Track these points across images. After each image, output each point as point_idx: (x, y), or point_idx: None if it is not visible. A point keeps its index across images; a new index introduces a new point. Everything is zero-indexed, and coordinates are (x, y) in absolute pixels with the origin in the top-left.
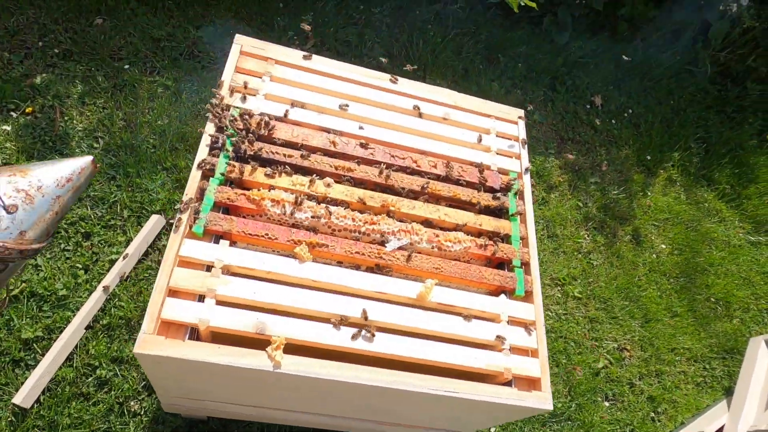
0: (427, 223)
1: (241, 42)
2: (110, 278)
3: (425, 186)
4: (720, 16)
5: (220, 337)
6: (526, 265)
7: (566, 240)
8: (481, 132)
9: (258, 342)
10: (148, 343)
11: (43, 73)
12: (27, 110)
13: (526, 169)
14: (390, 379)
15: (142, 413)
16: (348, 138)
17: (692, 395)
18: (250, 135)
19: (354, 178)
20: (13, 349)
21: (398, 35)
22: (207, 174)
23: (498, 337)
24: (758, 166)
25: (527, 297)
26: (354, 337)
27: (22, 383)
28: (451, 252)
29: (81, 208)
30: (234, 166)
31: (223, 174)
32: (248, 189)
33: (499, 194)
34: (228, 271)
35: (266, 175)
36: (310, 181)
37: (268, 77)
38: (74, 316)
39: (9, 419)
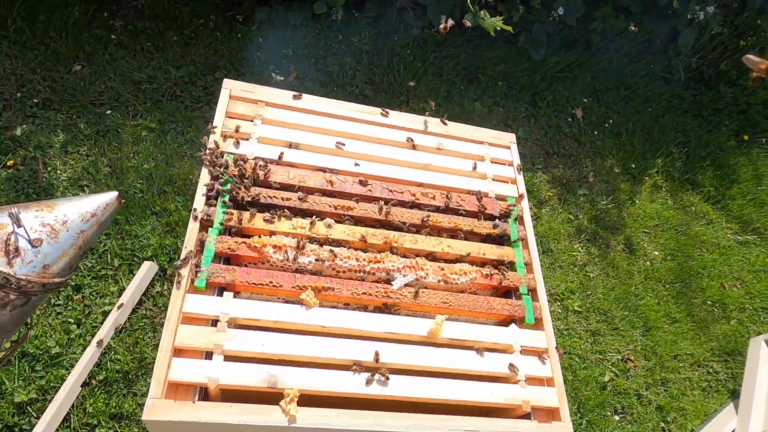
0: (431, 256)
1: (230, 86)
2: (104, 331)
3: (426, 219)
4: (688, 23)
5: (231, 393)
6: (532, 291)
7: (561, 254)
8: (475, 159)
9: (270, 394)
10: (157, 409)
11: (23, 124)
12: (8, 163)
13: (521, 196)
14: (409, 423)
15: None
16: (345, 176)
17: (699, 401)
18: (246, 181)
19: (354, 217)
20: (6, 415)
21: (379, 62)
22: (205, 224)
23: (511, 365)
24: (739, 167)
25: (537, 324)
26: (368, 382)
27: None
28: (457, 285)
29: None
30: (232, 214)
31: (221, 223)
32: (248, 236)
33: (499, 221)
34: (234, 323)
35: (265, 220)
36: (311, 223)
37: (259, 120)
38: (69, 373)
39: None
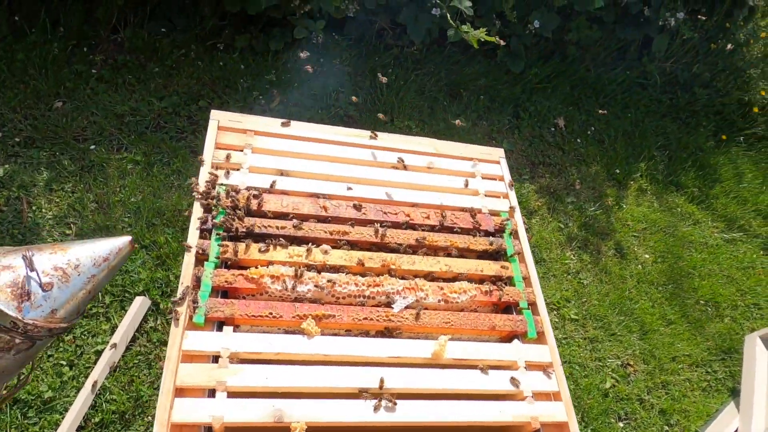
0: (430, 276)
1: (218, 117)
2: (98, 371)
3: (421, 239)
4: (660, 30)
5: (236, 430)
6: (532, 305)
7: (554, 263)
8: (466, 176)
9: (277, 429)
10: None
11: (5, 164)
12: None
13: (511, 208)
14: None
15: None
16: (338, 201)
17: (700, 401)
18: (240, 211)
19: (350, 241)
20: None
21: (361, 82)
22: (200, 258)
23: (512, 379)
24: (719, 166)
25: (540, 338)
26: (375, 408)
27: None
28: (458, 303)
29: None
30: (227, 247)
31: (217, 256)
32: (245, 268)
33: (494, 237)
34: (236, 358)
35: (261, 251)
36: (307, 250)
37: (249, 149)
38: (63, 418)
39: None
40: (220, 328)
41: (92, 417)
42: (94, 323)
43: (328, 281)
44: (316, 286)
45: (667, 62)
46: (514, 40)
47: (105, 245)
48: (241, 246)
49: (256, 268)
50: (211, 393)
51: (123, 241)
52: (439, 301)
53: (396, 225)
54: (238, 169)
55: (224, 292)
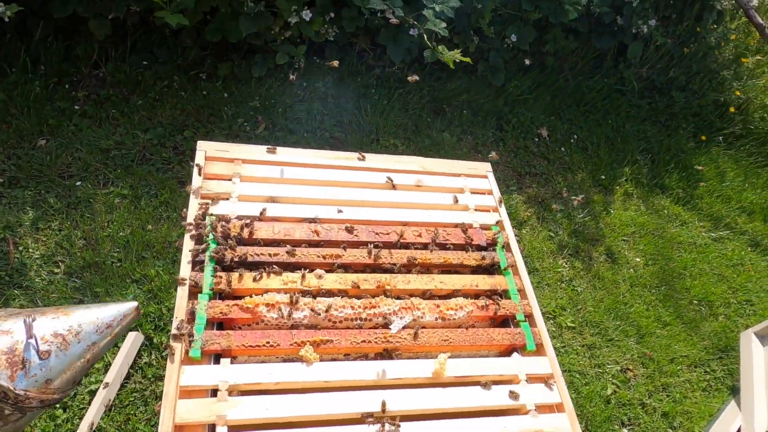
0: (425, 294)
1: (205, 148)
2: (93, 411)
3: (413, 258)
4: (633, 37)
5: None
6: (529, 317)
7: (547, 272)
8: (455, 192)
9: None
10: None
11: None
12: None
13: (497, 222)
14: None
15: None
16: (330, 224)
17: (702, 402)
18: (231, 241)
19: (344, 264)
20: None
21: (345, 104)
22: (194, 291)
23: (511, 392)
24: (701, 166)
25: (539, 350)
26: None
27: None
28: (455, 320)
29: None
30: (221, 278)
31: (211, 288)
32: (240, 298)
33: (487, 251)
34: (235, 390)
35: (255, 279)
36: (302, 276)
37: (237, 178)
38: None
39: None
40: (217, 362)
41: None
42: None
43: (324, 306)
44: (312, 311)
45: (643, 68)
46: (493, 54)
47: (109, 311)
48: (235, 276)
49: (251, 297)
50: (212, 428)
51: (128, 307)
52: (436, 319)
53: (388, 245)
54: (227, 199)
55: (219, 324)
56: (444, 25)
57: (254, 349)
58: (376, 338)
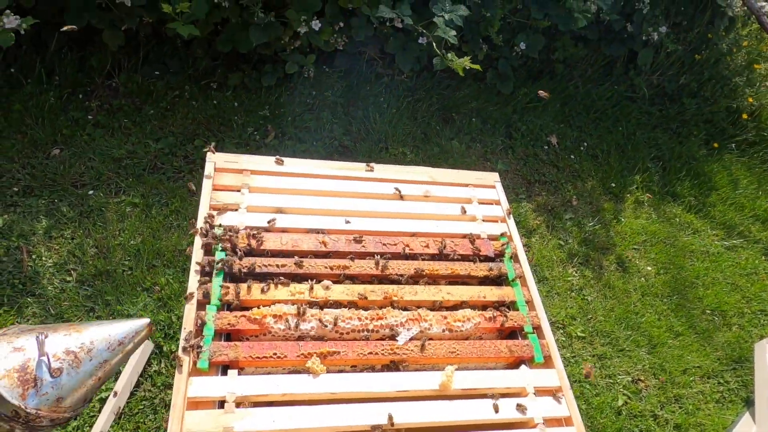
0: (433, 305)
1: (214, 159)
2: (103, 420)
3: (421, 269)
4: (644, 44)
5: None
6: (537, 329)
7: (557, 281)
8: (463, 203)
9: None
10: None
11: (3, 214)
12: None
13: (502, 234)
14: None
15: None
16: (337, 235)
17: (715, 414)
18: (239, 252)
19: (351, 275)
20: None
21: (354, 112)
22: (202, 302)
23: (519, 405)
24: (714, 174)
25: (547, 362)
26: None
27: None
28: (462, 332)
29: None
30: (229, 288)
31: (219, 299)
32: (248, 309)
33: (495, 261)
34: (241, 402)
35: (263, 290)
36: (309, 287)
37: (246, 189)
38: None
39: None
40: (225, 373)
41: None
42: None
43: (331, 317)
44: (319, 322)
45: (653, 75)
46: (502, 63)
47: (121, 328)
48: (243, 287)
49: (259, 308)
50: None
51: (140, 324)
52: (443, 330)
53: (396, 256)
54: (236, 210)
55: (228, 335)
56: (454, 33)
57: (261, 360)
58: (383, 350)
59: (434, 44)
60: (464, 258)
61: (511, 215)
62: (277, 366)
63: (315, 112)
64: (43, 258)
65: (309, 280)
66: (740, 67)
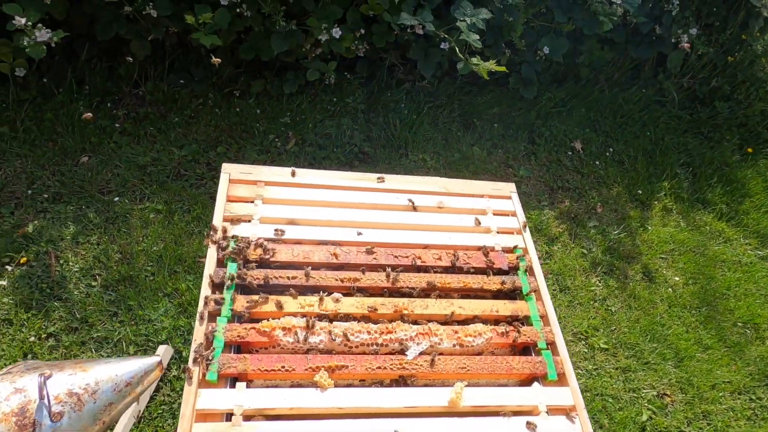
0: (444, 319)
1: (229, 170)
2: (123, 423)
3: (433, 282)
4: (673, 47)
5: None
6: (551, 344)
7: (579, 290)
8: (477, 214)
9: None
10: None
11: (34, 220)
12: (21, 261)
13: (515, 247)
14: None
15: None
16: (349, 247)
17: None
18: (251, 264)
19: (362, 288)
20: None
21: (374, 119)
22: (214, 314)
23: (528, 423)
24: (747, 180)
25: (560, 380)
26: None
27: None
28: (473, 347)
29: (86, 352)
30: (240, 300)
31: (231, 310)
32: (258, 320)
33: (508, 275)
34: (249, 415)
35: (273, 302)
36: (319, 300)
37: (260, 200)
38: None
39: None
40: (233, 385)
41: None
42: None
43: (340, 331)
44: (328, 335)
45: (683, 78)
46: (526, 67)
47: (130, 367)
48: (254, 299)
49: (268, 320)
50: None
51: (150, 363)
52: (453, 345)
53: (407, 268)
54: (249, 221)
55: (238, 347)
56: (477, 37)
57: (270, 373)
58: (391, 364)
59: (457, 49)
60: (477, 271)
61: (527, 228)
62: (286, 379)
63: (336, 118)
64: (70, 263)
65: (319, 293)
66: None
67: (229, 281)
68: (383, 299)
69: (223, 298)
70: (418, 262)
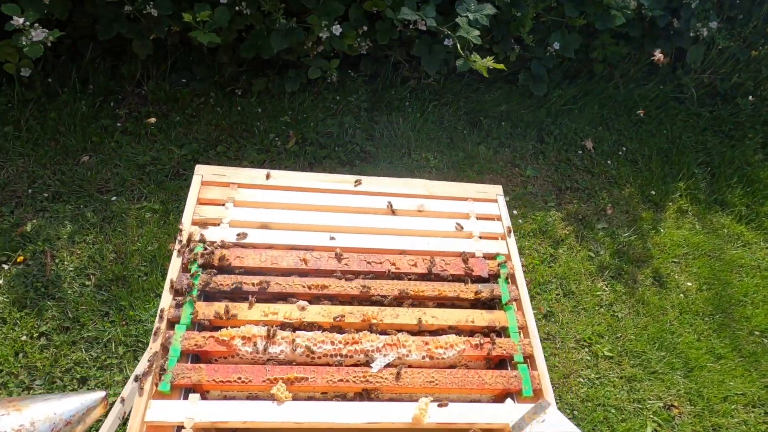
0: (415, 329)
1: (202, 172)
2: (108, 425)
3: (405, 290)
4: (693, 41)
5: None
6: (529, 358)
7: (584, 295)
8: (460, 218)
9: None
10: None
11: (33, 219)
12: (18, 260)
13: (498, 255)
14: None
15: None
16: (320, 252)
17: None
18: (213, 270)
19: (330, 295)
20: None
21: (378, 117)
22: (173, 321)
23: None
24: None
25: (536, 396)
26: None
27: None
28: (444, 360)
29: (76, 351)
30: (201, 307)
31: (189, 318)
32: (219, 328)
33: (484, 283)
34: (201, 428)
35: (236, 309)
36: (285, 307)
37: (231, 203)
38: None
39: None
40: (186, 397)
41: None
42: (108, 374)
43: (303, 340)
44: (289, 345)
45: (704, 74)
46: (536, 64)
47: (70, 404)
48: (216, 306)
49: (227, 329)
50: None
51: (93, 398)
52: (423, 357)
53: (380, 275)
54: (218, 224)
55: (196, 356)
56: (477, 33)
57: (225, 384)
58: (354, 377)
59: (458, 45)
60: (455, 278)
61: (512, 233)
62: (243, 390)
63: (338, 117)
64: (65, 262)
65: (285, 300)
66: None
67: (191, 287)
68: (351, 308)
69: (184, 305)
70: (392, 269)
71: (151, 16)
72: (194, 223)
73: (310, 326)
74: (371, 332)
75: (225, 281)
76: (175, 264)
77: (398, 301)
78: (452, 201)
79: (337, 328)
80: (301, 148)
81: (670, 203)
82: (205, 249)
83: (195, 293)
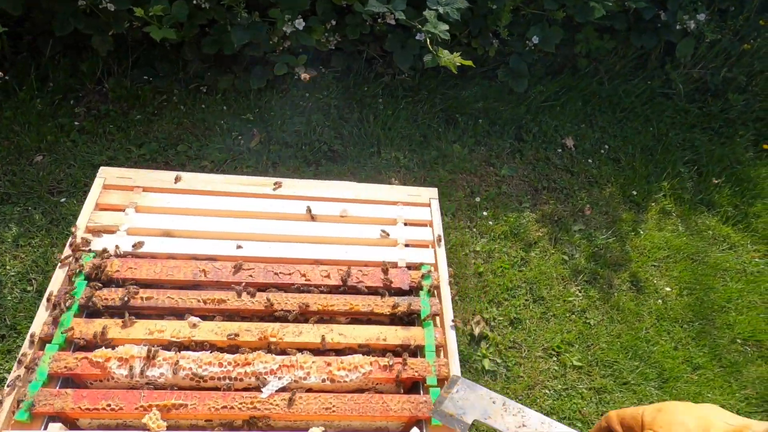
0: (318, 349)
1: (105, 174)
2: None
3: (305, 305)
4: (681, 34)
5: None
6: (444, 381)
7: (555, 301)
8: (386, 224)
9: None
10: None
11: None
12: None
13: (423, 265)
14: None
15: None
16: (223, 262)
17: None
18: (101, 282)
19: (228, 311)
20: None
21: (348, 115)
22: (45, 340)
23: None
24: (760, 179)
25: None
26: None
27: None
28: (347, 383)
29: (10, 361)
30: (79, 324)
31: (64, 337)
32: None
33: (408, 296)
34: None
35: (119, 327)
36: (175, 324)
37: (132, 209)
38: None
39: None
40: (46, 427)
41: None
42: None
43: (187, 362)
44: (171, 368)
45: (694, 68)
46: (515, 59)
47: None
48: (97, 323)
49: (102, 349)
50: None
51: None
52: (323, 380)
53: (286, 287)
54: (114, 232)
55: (67, 380)
56: (446, 27)
57: (92, 412)
58: (242, 403)
59: (427, 40)
60: (372, 291)
61: (442, 240)
62: (113, 419)
63: (306, 114)
64: (8, 267)
65: (177, 316)
66: None
67: (70, 302)
68: (249, 324)
69: (58, 322)
70: (302, 281)
71: (109, 12)
72: (88, 230)
73: (200, 346)
74: (269, 352)
75: (110, 295)
76: (58, 276)
77: (305, 316)
78: (380, 205)
79: (234, 347)
80: (265, 146)
81: (653, 204)
82: (95, 259)
83: (75, 309)
